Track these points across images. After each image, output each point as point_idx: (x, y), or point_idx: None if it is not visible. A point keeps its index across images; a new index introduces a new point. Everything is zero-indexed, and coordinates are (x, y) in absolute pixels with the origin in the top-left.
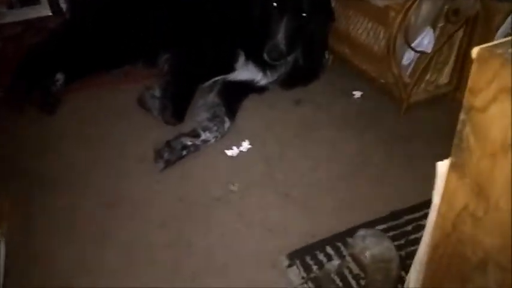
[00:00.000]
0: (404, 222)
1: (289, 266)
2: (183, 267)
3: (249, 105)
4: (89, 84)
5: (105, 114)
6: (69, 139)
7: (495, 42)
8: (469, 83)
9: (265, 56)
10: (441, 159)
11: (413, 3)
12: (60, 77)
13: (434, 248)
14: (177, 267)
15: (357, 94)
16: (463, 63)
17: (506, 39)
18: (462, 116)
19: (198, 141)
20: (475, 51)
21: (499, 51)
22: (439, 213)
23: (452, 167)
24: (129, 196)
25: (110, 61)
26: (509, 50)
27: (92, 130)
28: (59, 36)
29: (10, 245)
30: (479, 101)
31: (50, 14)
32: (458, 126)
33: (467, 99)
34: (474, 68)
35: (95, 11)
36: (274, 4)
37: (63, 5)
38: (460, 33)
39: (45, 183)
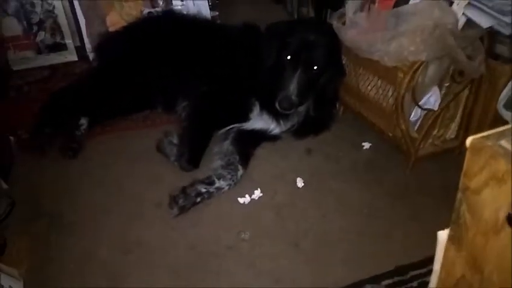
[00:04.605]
0: (409, 278)
1: None
2: None
3: (262, 154)
4: (109, 128)
5: (124, 158)
6: (88, 182)
7: (486, 133)
8: (464, 166)
9: (277, 106)
10: (447, 214)
11: (420, 65)
12: (84, 121)
13: None
14: None
15: (366, 145)
16: (469, 120)
17: (497, 130)
18: (459, 195)
19: (212, 189)
20: (468, 141)
21: (489, 143)
22: (439, 279)
23: (450, 239)
24: (143, 242)
25: (132, 106)
26: (498, 142)
27: (110, 173)
28: (84, 82)
29: (28, 285)
30: (473, 184)
31: (76, 59)
32: (456, 203)
33: (462, 180)
34: (468, 155)
35: (120, 60)
36: (288, 57)
37: (90, 54)
38: (466, 91)
39: (64, 225)
